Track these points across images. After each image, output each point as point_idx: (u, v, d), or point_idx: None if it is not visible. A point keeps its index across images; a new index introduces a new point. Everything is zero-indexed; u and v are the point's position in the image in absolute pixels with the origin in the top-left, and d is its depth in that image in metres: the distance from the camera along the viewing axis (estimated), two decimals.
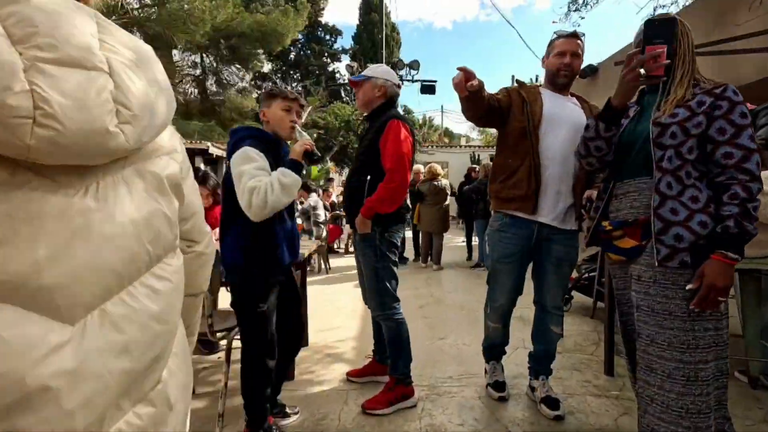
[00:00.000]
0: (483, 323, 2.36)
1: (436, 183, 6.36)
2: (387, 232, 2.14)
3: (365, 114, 2.31)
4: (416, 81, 8.35)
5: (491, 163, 6.21)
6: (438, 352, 3.02)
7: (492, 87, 1.92)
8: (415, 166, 7.29)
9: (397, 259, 2.21)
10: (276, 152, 1.89)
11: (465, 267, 6.72)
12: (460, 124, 58.79)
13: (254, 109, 21.09)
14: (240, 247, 1.76)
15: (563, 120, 1.98)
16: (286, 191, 1.71)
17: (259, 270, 1.81)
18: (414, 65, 8.19)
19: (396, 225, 2.18)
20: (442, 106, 62.21)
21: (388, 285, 2.15)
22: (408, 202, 6.42)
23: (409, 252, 7.42)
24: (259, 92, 21.08)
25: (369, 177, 2.12)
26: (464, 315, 3.95)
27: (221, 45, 17.77)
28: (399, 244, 2.22)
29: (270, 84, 19.41)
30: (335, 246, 8.61)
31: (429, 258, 6.74)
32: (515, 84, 2.15)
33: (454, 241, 10.31)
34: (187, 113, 23.08)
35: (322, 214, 6.28)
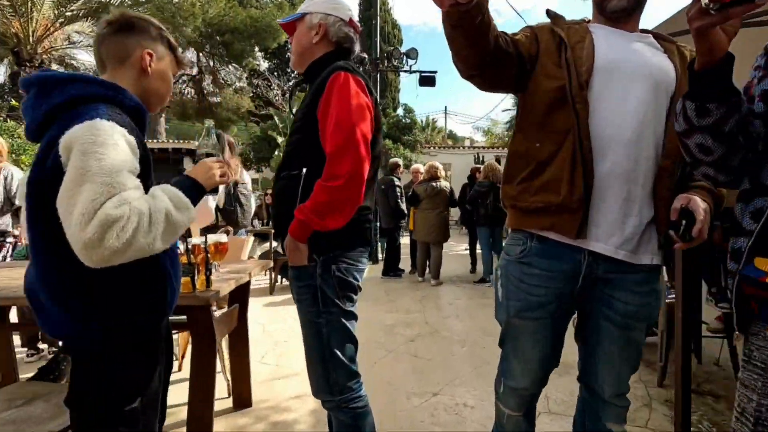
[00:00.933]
0: (489, 364, 1.53)
1: (434, 184, 5.51)
2: (336, 264, 1.31)
3: (301, 74, 1.48)
4: (414, 72, 7.52)
5: (494, 163, 5.35)
6: (429, 420, 2.17)
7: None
8: (414, 166, 6.45)
9: (354, 309, 1.37)
10: (140, 129, 1.09)
11: (468, 281, 5.87)
12: (465, 126, 58.07)
13: (249, 109, 20.44)
14: (84, 284, 0.96)
15: (632, 71, 1.14)
16: (171, 233, 0.97)
17: (131, 326, 1.03)
18: (411, 54, 7.34)
19: (351, 250, 1.35)
20: (445, 108, 61.54)
21: (338, 353, 1.30)
22: (403, 206, 5.57)
23: (405, 262, 6.57)
24: (254, 91, 20.38)
25: (305, 170, 1.29)
26: (466, 354, 3.09)
27: (214, 41, 17.11)
28: (358, 282, 1.38)
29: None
30: None
31: (426, 270, 5.90)
32: (548, 19, 1.30)
33: (455, 248, 9.46)
34: (184, 114, 22.58)
35: None
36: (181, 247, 1.56)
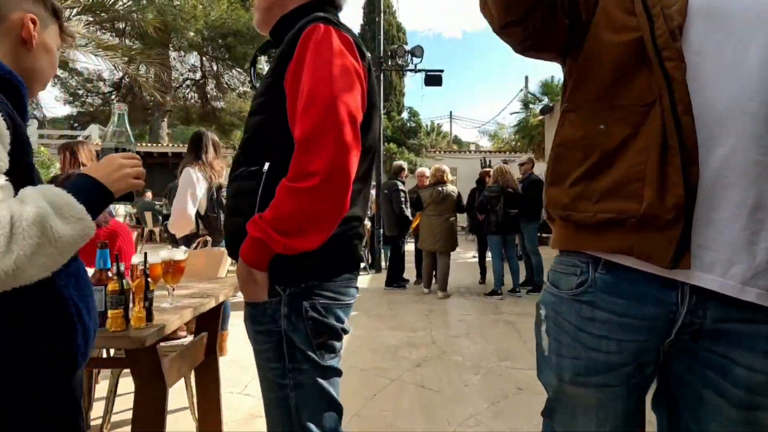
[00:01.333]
0: (508, 399, 1.25)
1: (440, 188, 5.12)
2: (309, 299, 0.92)
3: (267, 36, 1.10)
4: (420, 71, 7.16)
5: (505, 166, 4.96)
6: None
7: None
8: (420, 169, 6.07)
9: (335, 362, 0.97)
10: (19, 112, 0.75)
11: (478, 293, 5.45)
12: (470, 131, 57.82)
13: None
14: None
15: (750, 13, 0.75)
16: (53, 253, 0.66)
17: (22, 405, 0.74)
18: (416, 52, 6.97)
19: (333, 279, 0.96)
20: (450, 113, 61.37)
21: (312, 427, 0.91)
22: (408, 213, 5.17)
23: (410, 271, 6.17)
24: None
25: (267, 165, 0.91)
26: (481, 385, 2.68)
27: (216, 44, 16.92)
28: (342, 325, 0.99)
29: None
30: None
31: (433, 281, 5.49)
32: None
33: (462, 256, 9.04)
34: (188, 119, 22.45)
35: None
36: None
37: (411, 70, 7.24)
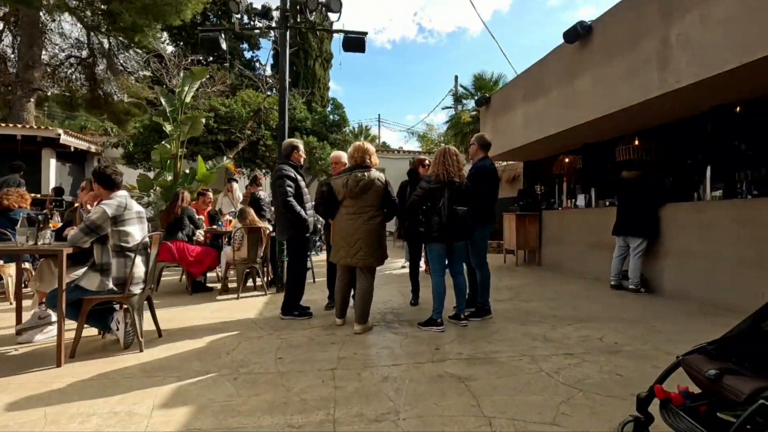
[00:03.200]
0: None
1: (359, 174, 3.55)
2: None
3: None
4: (337, 31, 5.55)
5: (453, 149, 3.47)
6: None
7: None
8: (334, 154, 4.45)
9: None
10: None
11: (408, 321, 3.92)
12: (397, 133, 57.78)
13: (150, 99, 17.31)
14: None
15: None
16: None
17: None
18: (333, 5, 5.37)
19: None
20: (379, 115, 61.04)
21: None
22: (299, 208, 3.37)
23: (317, 289, 4.51)
24: (151, 75, 17.30)
25: None
26: None
27: (96, 9, 13.97)
28: None
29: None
30: (204, 279, 5.45)
31: (350, 304, 3.90)
32: None
33: (389, 266, 7.59)
34: (72, 104, 18.69)
35: (137, 233, 3.15)
36: None
37: (326, 30, 5.64)
